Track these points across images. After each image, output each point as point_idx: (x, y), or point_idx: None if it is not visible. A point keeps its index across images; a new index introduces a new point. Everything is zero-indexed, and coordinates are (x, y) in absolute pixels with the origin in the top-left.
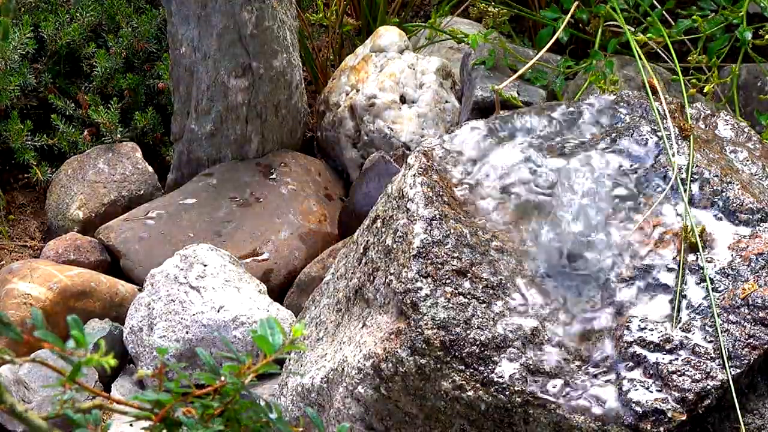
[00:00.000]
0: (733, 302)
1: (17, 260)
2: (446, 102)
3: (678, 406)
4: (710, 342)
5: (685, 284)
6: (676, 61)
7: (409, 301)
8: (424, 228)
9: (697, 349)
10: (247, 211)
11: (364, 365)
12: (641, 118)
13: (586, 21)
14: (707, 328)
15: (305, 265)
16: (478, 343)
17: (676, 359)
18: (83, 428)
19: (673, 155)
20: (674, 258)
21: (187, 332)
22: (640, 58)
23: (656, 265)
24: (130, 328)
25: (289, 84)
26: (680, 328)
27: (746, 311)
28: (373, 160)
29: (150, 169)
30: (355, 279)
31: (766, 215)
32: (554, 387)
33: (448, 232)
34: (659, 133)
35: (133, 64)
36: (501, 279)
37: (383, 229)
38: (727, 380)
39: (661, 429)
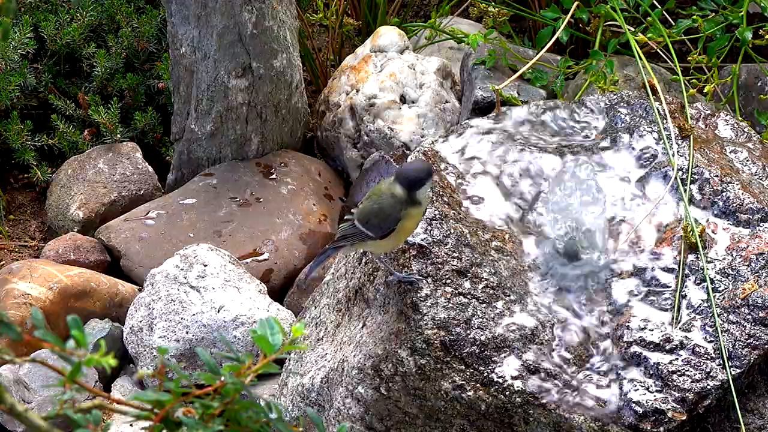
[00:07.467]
0: (733, 302)
1: (17, 260)
2: (446, 102)
3: (678, 406)
4: (710, 342)
5: (685, 284)
6: (676, 61)
7: (409, 301)
8: (424, 228)
9: (697, 349)
10: (247, 211)
11: (365, 365)
12: (641, 118)
13: (586, 21)
14: (707, 328)
15: (305, 265)
16: (478, 343)
17: (676, 359)
18: (83, 428)
19: (673, 155)
20: (674, 258)
21: (187, 332)
22: (640, 58)
23: (656, 265)
24: (130, 328)
25: (289, 84)
26: (680, 328)
27: (746, 311)
28: (373, 160)
29: (150, 169)
30: (355, 279)
31: (766, 215)
32: (554, 387)
33: (448, 232)
34: (659, 133)
35: (133, 64)
36: (501, 279)
37: None
38: (727, 380)
39: (661, 429)
